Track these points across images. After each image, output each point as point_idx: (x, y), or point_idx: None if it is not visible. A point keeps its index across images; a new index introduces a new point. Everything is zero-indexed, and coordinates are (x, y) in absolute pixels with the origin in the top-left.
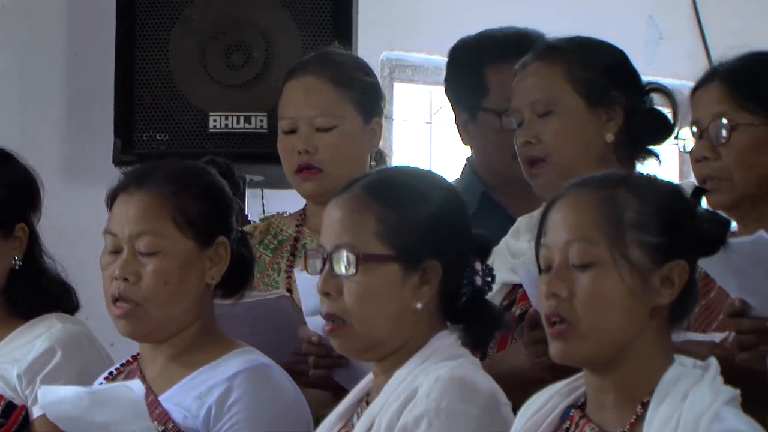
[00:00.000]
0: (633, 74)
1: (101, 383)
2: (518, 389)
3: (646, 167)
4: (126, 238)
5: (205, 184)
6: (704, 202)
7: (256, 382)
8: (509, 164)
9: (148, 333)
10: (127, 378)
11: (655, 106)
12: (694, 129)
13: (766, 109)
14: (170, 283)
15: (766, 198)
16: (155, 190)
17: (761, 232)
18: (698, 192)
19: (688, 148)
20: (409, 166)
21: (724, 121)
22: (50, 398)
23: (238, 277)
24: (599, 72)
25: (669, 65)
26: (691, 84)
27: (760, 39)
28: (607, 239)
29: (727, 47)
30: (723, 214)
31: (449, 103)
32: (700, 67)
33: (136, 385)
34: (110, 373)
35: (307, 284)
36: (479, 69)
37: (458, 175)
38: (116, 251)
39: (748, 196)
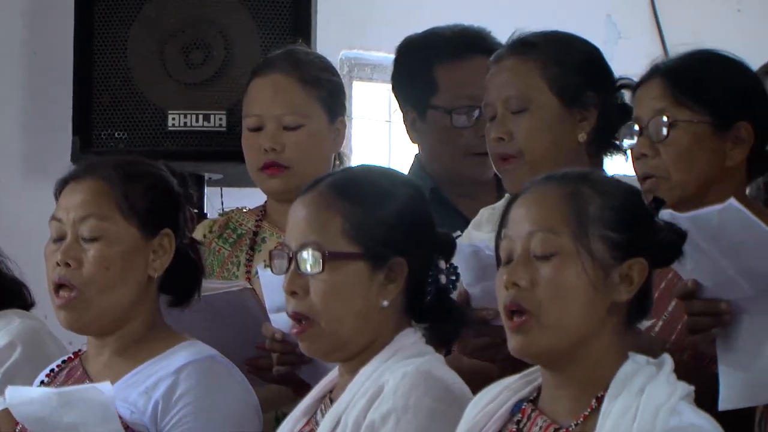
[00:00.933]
0: (606, 72)
1: (42, 381)
2: (480, 385)
3: (613, 162)
4: (70, 223)
5: (153, 176)
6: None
7: (203, 375)
8: (459, 162)
9: (89, 322)
10: (69, 375)
11: (625, 102)
12: (636, 126)
13: (705, 107)
14: (111, 269)
15: (704, 198)
16: (102, 175)
17: (731, 200)
18: (658, 202)
19: (631, 146)
20: (373, 165)
21: (664, 118)
22: (18, 398)
23: (184, 281)
24: (574, 70)
25: (627, 64)
26: None
27: (718, 38)
28: (570, 230)
29: (685, 46)
30: (683, 221)
31: (396, 101)
32: None
33: (105, 387)
34: (51, 371)
35: (270, 282)
36: (428, 67)
37: (407, 172)
38: (60, 238)
39: (687, 197)
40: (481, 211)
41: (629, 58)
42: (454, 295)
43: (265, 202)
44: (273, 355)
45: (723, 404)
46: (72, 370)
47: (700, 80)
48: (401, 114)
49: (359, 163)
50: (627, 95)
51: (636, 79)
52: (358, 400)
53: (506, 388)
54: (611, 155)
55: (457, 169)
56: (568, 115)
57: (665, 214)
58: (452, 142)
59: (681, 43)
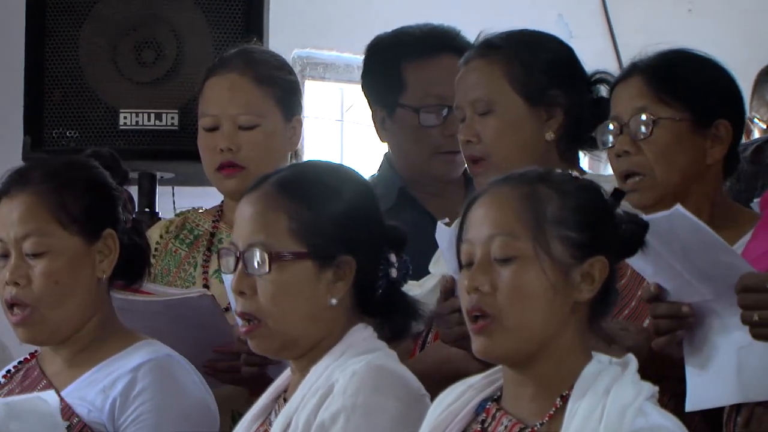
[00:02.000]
0: (576, 69)
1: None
2: (450, 379)
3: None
4: (12, 242)
5: (86, 179)
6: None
7: (160, 373)
8: (427, 160)
9: (47, 337)
10: (26, 375)
11: (602, 96)
12: (615, 124)
13: (686, 104)
14: (61, 282)
15: (685, 196)
16: (35, 189)
17: (677, 206)
18: (617, 194)
19: (609, 144)
20: (320, 161)
21: (645, 116)
22: None
23: (133, 265)
24: (539, 70)
25: None
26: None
27: (669, 36)
28: (529, 233)
29: (636, 45)
30: (642, 215)
31: (366, 100)
32: (610, 66)
33: (50, 397)
34: (8, 371)
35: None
36: (396, 65)
37: (376, 171)
38: (5, 255)
39: (669, 194)
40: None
41: (581, 58)
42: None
43: (222, 202)
44: (242, 356)
45: (690, 405)
46: (29, 371)
47: (680, 78)
48: (370, 113)
49: (306, 160)
50: (603, 90)
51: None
52: (309, 400)
53: (470, 388)
54: (589, 150)
55: (426, 167)
56: (533, 115)
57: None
58: (420, 140)
59: (632, 43)
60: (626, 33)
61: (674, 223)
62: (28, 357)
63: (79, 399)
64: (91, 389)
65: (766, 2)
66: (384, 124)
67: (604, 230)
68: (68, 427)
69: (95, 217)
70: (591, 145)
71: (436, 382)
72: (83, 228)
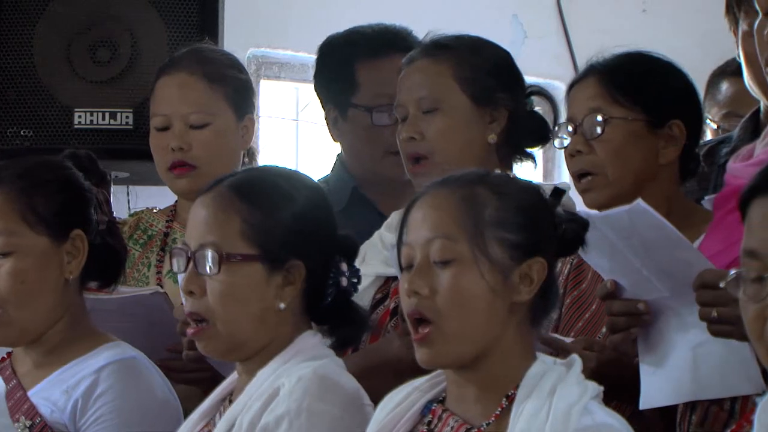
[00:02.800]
0: (517, 76)
1: None
2: (390, 380)
3: (521, 169)
4: None
5: (56, 179)
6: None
7: (123, 375)
8: (379, 161)
9: (15, 339)
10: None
11: (535, 109)
12: (570, 125)
13: (639, 105)
14: (27, 282)
15: (640, 194)
16: (4, 189)
17: (639, 200)
18: (557, 192)
19: (564, 144)
20: (275, 166)
21: (599, 116)
22: None
23: (107, 267)
24: (486, 72)
25: (534, 64)
26: (557, 83)
27: (623, 37)
28: (467, 236)
29: (591, 45)
30: (582, 215)
31: (318, 100)
32: (565, 66)
33: None
34: None
35: None
36: (349, 65)
37: (329, 171)
38: None
39: (622, 193)
40: (393, 214)
41: (536, 58)
42: (364, 288)
43: (176, 202)
44: (184, 340)
45: (644, 403)
46: (2, 371)
47: (635, 79)
48: (323, 113)
49: (262, 164)
50: (536, 102)
51: (543, 79)
52: (254, 403)
53: (415, 389)
54: (520, 161)
55: (378, 167)
56: (478, 116)
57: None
58: (373, 140)
59: (587, 43)
60: (581, 33)
61: (635, 217)
62: (5, 356)
63: (43, 399)
64: (56, 390)
65: (719, 2)
66: (336, 124)
67: (543, 231)
68: (30, 427)
69: (64, 217)
70: (524, 155)
71: (375, 381)
72: (51, 228)
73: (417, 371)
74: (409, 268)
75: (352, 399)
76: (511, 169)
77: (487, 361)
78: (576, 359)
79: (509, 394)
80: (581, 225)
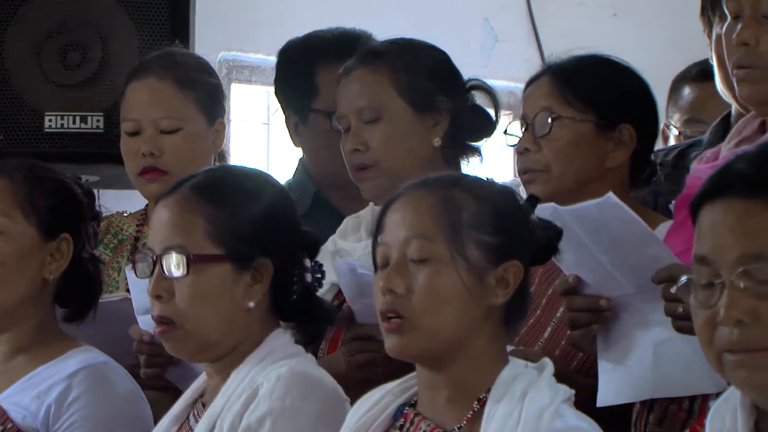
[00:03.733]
0: (456, 75)
1: None
2: (362, 384)
3: (470, 166)
4: None
5: (58, 181)
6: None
7: (96, 381)
8: (340, 165)
9: None
10: None
11: (476, 103)
12: (521, 122)
13: (590, 106)
14: (6, 265)
15: (580, 193)
16: (8, 174)
17: (609, 193)
18: (532, 199)
19: (515, 142)
20: (236, 165)
21: (548, 114)
22: None
23: (82, 297)
24: (424, 77)
25: (504, 68)
26: None
27: (593, 40)
28: (445, 237)
29: (561, 49)
30: (563, 215)
31: (279, 105)
32: (535, 70)
33: None
34: None
35: (137, 283)
36: (309, 70)
37: (291, 176)
38: None
39: (564, 190)
40: (346, 219)
41: (506, 61)
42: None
43: (146, 206)
44: (141, 358)
45: (601, 401)
46: None
47: (588, 80)
48: (284, 118)
49: (222, 164)
50: (478, 97)
51: (514, 83)
52: (233, 404)
53: (388, 393)
54: (467, 157)
55: (339, 172)
56: (420, 121)
57: (548, 208)
58: (333, 145)
59: (557, 47)
60: (551, 37)
61: (605, 211)
62: None
63: (14, 404)
64: (27, 394)
65: (689, 6)
66: (297, 130)
67: (519, 235)
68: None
69: (57, 217)
70: (470, 151)
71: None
72: (42, 222)
73: (362, 387)
74: (384, 267)
75: (331, 395)
76: (459, 168)
77: (458, 361)
78: (548, 362)
79: (481, 397)
80: (555, 233)
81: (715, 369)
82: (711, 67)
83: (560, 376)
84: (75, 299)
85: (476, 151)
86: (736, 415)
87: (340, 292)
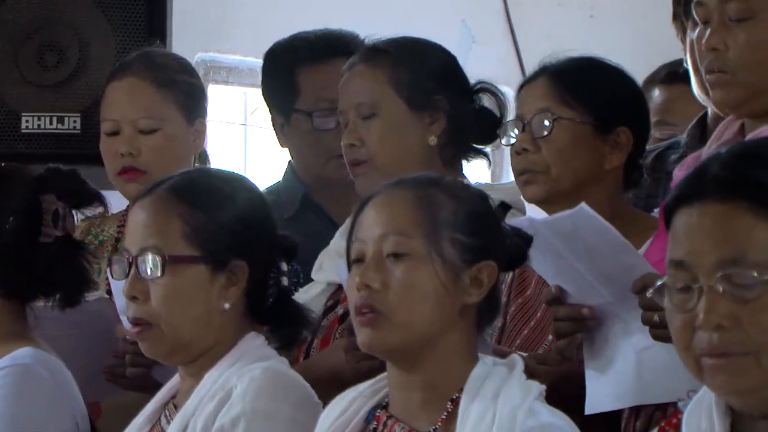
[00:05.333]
0: (458, 75)
1: None
2: (337, 389)
3: (472, 166)
4: None
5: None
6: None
7: (9, 382)
8: (323, 165)
9: None
10: None
11: (484, 105)
12: (517, 123)
13: (589, 108)
14: None
15: (578, 194)
16: None
17: (582, 204)
18: (504, 206)
19: (512, 142)
20: (213, 168)
21: (547, 115)
22: None
23: (58, 283)
24: (423, 75)
25: (481, 69)
26: (504, 87)
27: (570, 42)
28: (422, 233)
29: (538, 50)
30: (526, 224)
31: (266, 107)
32: (513, 71)
33: None
34: None
35: (120, 283)
36: (291, 71)
37: (281, 178)
38: None
39: (562, 191)
40: (348, 220)
41: (484, 63)
42: (316, 296)
43: (127, 206)
44: (126, 357)
45: (589, 408)
46: None
47: (586, 82)
48: (271, 119)
49: (199, 167)
50: (486, 100)
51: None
52: (206, 405)
53: (359, 395)
54: (471, 159)
55: (323, 172)
56: (416, 119)
57: (524, 220)
58: (316, 145)
59: (535, 48)
60: (529, 38)
61: (578, 221)
62: None
63: None
64: None
65: (666, 8)
66: (283, 130)
67: (493, 237)
68: None
69: None
70: (474, 153)
71: (322, 391)
72: None
73: (360, 381)
74: (358, 262)
75: (304, 397)
76: (458, 169)
77: (431, 360)
78: (517, 359)
79: (454, 397)
80: (524, 239)
81: (693, 373)
82: (679, 68)
83: (567, 378)
84: (61, 286)
85: (480, 153)
86: (712, 416)
87: (335, 292)
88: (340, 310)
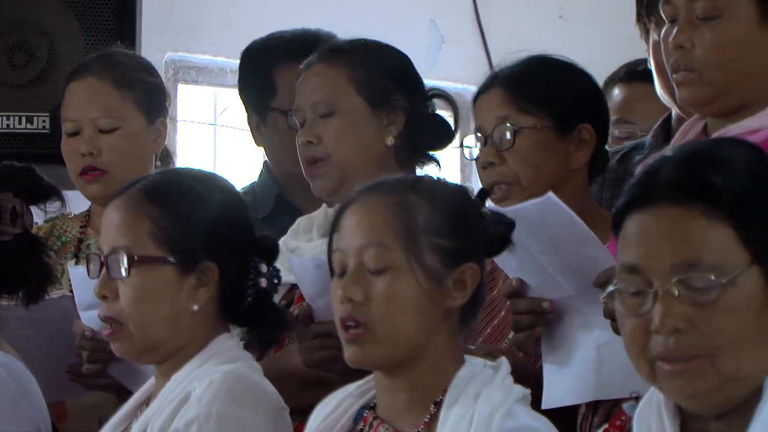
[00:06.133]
0: (415, 79)
1: None
2: (293, 390)
3: (426, 171)
4: None
5: None
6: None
7: None
8: (297, 164)
9: None
10: None
11: (437, 112)
12: (479, 136)
13: (547, 111)
14: None
15: None
16: None
17: (549, 193)
18: (483, 193)
19: (474, 156)
20: (189, 168)
21: (508, 125)
22: None
23: (20, 281)
24: (382, 75)
25: (451, 69)
26: (474, 88)
27: (540, 43)
28: (401, 244)
29: (508, 51)
30: (507, 215)
31: (242, 105)
32: (482, 71)
33: None
34: None
35: (80, 278)
36: (268, 69)
37: (256, 178)
38: None
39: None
40: (298, 220)
41: (453, 63)
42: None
43: (90, 207)
44: (83, 353)
45: (546, 403)
46: None
47: (540, 85)
48: (247, 118)
49: (176, 167)
50: (438, 104)
51: (461, 84)
52: (166, 407)
53: (349, 395)
54: (423, 165)
55: (296, 170)
56: (375, 119)
57: (491, 208)
58: (291, 144)
59: (504, 49)
60: (498, 39)
61: (545, 210)
62: None
63: None
64: None
65: (634, 8)
66: (258, 129)
67: (473, 234)
68: None
69: None
70: (427, 158)
71: (280, 392)
72: None
73: (317, 382)
74: (342, 274)
75: (265, 402)
76: (412, 171)
77: (418, 365)
78: (504, 362)
79: (438, 399)
80: (508, 225)
81: (645, 377)
82: (639, 67)
83: (525, 376)
84: (23, 283)
85: (432, 159)
86: (662, 417)
87: (288, 291)
88: (295, 310)
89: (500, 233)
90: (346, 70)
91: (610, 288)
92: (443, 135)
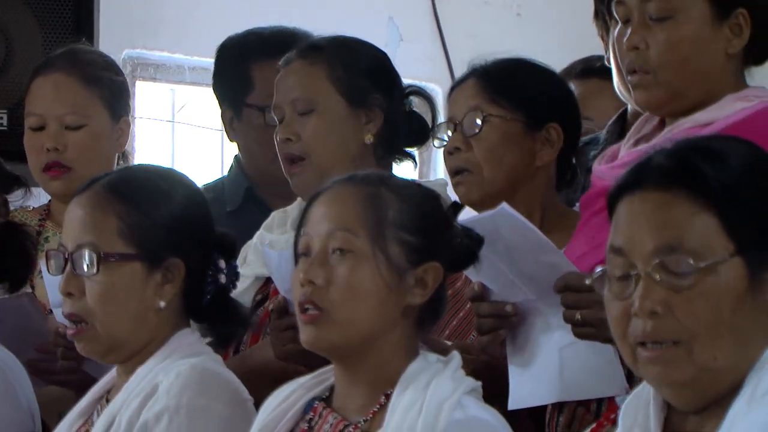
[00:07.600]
0: (394, 77)
1: None
2: (269, 383)
3: (401, 168)
4: None
5: None
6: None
7: None
8: (272, 161)
9: None
10: None
11: (414, 109)
12: (450, 124)
13: (518, 105)
14: None
15: (512, 195)
16: None
17: (503, 204)
18: (456, 206)
19: (444, 143)
20: (151, 165)
21: (478, 114)
22: None
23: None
24: (361, 73)
25: (409, 67)
26: (432, 85)
27: (498, 41)
28: (368, 232)
29: (466, 49)
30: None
31: (216, 101)
32: (440, 69)
33: None
34: None
35: (53, 277)
36: (244, 65)
37: (227, 172)
38: None
39: (495, 194)
40: (273, 213)
41: (411, 61)
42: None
43: (50, 200)
44: (58, 350)
45: (512, 404)
46: None
47: (515, 80)
48: (220, 113)
49: (138, 163)
50: (416, 102)
51: (419, 82)
52: (133, 400)
53: (300, 387)
54: (399, 161)
55: (270, 167)
56: (353, 117)
57: (461, 222)
58: (266, 141)
59: (462, 46)
60: (456, 37)
61: (499, 222)
62: None
63: None
64: None
65: (593, 8)
66: (232, 125)
67: (441, 238)
68: None
69: None
70: (403, 155)
71: (253, 385)
72: None
73: (292, 376)
74: (304, 256)
75: (231, 393)
76: (390, 169)
77: (371, 357)
78: (455, 355)
79: (388, 392)
80: (475, 240)
81: (630, 364)
82: (595, 63)
83: (501, 373)
84: (10, 272)
85: (409, 156)
86: (648, 410)
87: (263, 285)
88: (270, 305)
89: (466, 247)
90: (325, 67)
91: (599, 270)
92: (419, 132)
